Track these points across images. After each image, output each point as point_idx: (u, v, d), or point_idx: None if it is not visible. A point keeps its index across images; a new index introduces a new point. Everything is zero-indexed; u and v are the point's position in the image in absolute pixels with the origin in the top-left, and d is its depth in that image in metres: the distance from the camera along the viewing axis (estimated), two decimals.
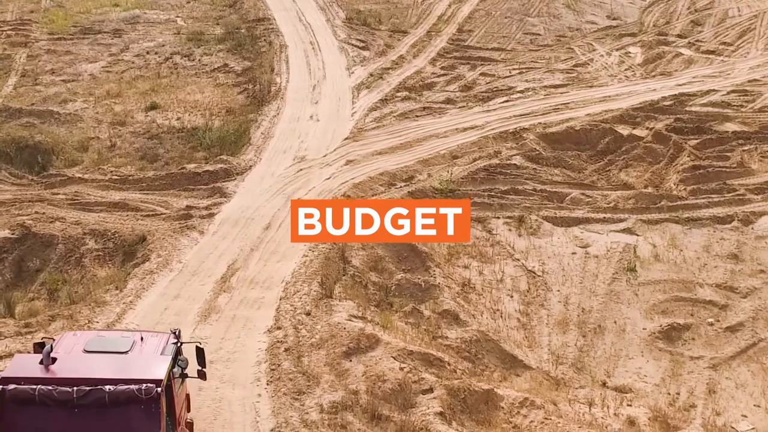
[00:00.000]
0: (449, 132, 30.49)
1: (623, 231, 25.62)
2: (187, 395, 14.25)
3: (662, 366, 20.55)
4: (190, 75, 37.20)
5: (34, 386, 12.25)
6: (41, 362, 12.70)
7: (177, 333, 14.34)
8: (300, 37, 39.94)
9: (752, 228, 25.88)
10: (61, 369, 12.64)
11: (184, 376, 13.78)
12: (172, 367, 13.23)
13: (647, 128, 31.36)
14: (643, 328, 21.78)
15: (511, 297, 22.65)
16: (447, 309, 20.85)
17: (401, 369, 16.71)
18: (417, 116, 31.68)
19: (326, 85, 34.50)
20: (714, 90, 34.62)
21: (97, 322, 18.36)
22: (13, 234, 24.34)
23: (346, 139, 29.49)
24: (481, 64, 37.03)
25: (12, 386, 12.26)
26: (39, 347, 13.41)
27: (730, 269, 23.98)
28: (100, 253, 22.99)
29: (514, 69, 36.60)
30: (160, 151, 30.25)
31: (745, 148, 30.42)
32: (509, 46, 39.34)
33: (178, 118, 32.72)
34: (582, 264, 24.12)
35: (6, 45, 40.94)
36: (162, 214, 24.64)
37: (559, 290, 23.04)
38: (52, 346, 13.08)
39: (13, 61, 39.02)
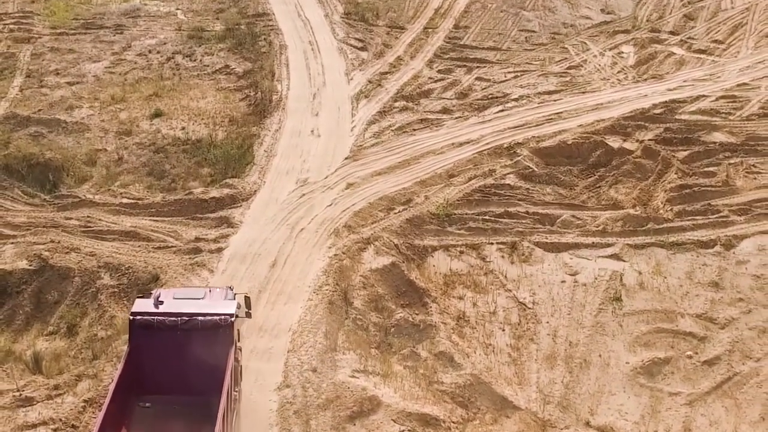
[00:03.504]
0: (445, 148, 31.56)
1: (611, 257, 26.92)
2: (238, 330, 19.39)
3: (642, 402, 22.09)
4: (192, 77, 38.00)
5: (153, 317, 18.33)
6: (154, 304, 18.78)
7: (231, 287, 20.30)
8: (299, 35, 40.63)
9: (734, 252, 27.17)
10: (166, 308, 18.60)
11: (236, 315, 18.93)
12: (237, 307, 18.95)
13: (637, 140, 32.40)
14: (626, 362, 23.25)
15: (503, 330, 24.09)
16: (442, 351, 22.32)
17: None
18: (414, 130, 32.69)
19: (326, 94, 35.39)
20: (703, 96, 35.54)
21: None
22: (30, 265, 25.63)
23: (347, 158, 30.59)
24: (477, 67, 37.85)
25: (139, 317, 18.39)
26: (140, 295, 20.41)
27: (710, 298, 25.37)
28: (116, 290, 24.32)
29: (509, 72, 37.44)
30: (166, 166, 31.30)
31: (732, 161, 31.52)
32: (504, 44, 40.08)
33: (183, 128, 33.70)
34: (570, 293, 25.50)
35: (9, 41, 41.60)
36: (172, 246, 25.91)
37: (548, 322, 24.46)
38: (160, 293, 19.19)
39: (18, 60, 39.76)
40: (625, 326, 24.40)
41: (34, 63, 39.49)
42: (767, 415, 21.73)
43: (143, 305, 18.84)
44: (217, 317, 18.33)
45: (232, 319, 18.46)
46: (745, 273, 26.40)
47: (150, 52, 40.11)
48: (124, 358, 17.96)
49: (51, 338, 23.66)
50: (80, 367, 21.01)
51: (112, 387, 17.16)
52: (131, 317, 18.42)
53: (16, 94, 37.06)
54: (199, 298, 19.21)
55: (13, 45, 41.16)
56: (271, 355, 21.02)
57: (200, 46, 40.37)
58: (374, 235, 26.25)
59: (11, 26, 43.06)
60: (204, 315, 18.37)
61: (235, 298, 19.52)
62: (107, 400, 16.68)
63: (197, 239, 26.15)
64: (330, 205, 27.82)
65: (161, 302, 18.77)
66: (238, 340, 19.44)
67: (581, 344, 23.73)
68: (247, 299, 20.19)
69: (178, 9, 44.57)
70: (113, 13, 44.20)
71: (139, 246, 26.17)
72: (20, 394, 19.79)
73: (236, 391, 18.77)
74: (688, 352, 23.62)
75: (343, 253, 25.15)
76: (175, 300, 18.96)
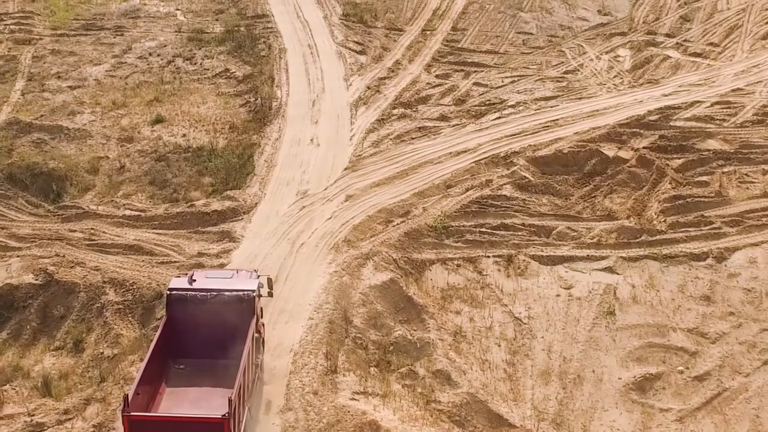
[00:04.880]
0: (443, 157, 32.01)
1: (605, 269, 27.47)
2: (261, 308, 22.36)
3: (634, 419, 22.72)
4: (193, 81, 38.37)
5: (186, 292, 21.18)
6: (188, 281, 21.60)
7: (257, 270, 22.95)
8: (299, 38, 40.95)
9: (725, 265, 27.72)
10: (199, 285, 21.46)
11: (260, 294, 21.78)
12: (260, 286, 21.72)
13: (632, 148, 32.85)
14: (619, 378, 23.87)
15: (499, 346, 24.70)
16: (440, 368, 22.95)
17: None
18: (413, 138, 33.13)
19: (325, 100, 35.80)
20: (698, 101, 35.96)
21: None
22: (36, 280, 26.16)
23: (346, 169, 31.07)
24: (475, 71, 38.23)
25: (175, 292, 21.22)
26: (182, 274, 22.77)
27: (702, 312, 25.94)
28: (120, 307, 24.86)
29: (506, 77, 37.81)
30: (168, 175, 31.73)
31: (725, 170, 32.01)
32: (502, 48, 40.41)
33: (184, 135, 34.12)
34: (565, 307, 26.07)
35: (11, 42, 41.93)
36: (176, 261, 26.43)
37: (543, 337, 25.06)
38: (194, 273, 22.15)
39: (19, 63, 40.09)
40: (618, 341, 25.00)
41: (35, 66, 39.85)
42: (755, 431, 22.39)
43: (178, 282, 21.75)
44: (241, 292, 21.21)
45: (254, 294, 21.28)
46: (736, 286, 26.97)
47: (150, 54, 40.44)
48: (161, 327, 20.82)
49: (58, 354, 24.23)
50: (88, 390, 21.61)
51: (149, 352, 19.86)
52: (168, 292, 21.35)
53: (18, 98, 37.46)
54: (228, 278, 22.15)
55: (14, 47, 41.50)
56: (274, 377, 21.64)
57: (200, 48, 40.69)
58: (373, 249, 26.77)
59: (12, 26, 43.36)
60: (230, 290, 21.24)
61: (258, 279, 22.17)
62: (144, 362, 19.40)
63: (200, 254, 26.68)
64: (330, 218, 28.34)
65: (194, 280, 21.70)
66: (261, 316, 22.37)
67: (575, 359, 24.34)
68: (269, 280, 22.69)
69: (177, 9, 44.81)
70: (113, 14, 44.47)
71: (143, 260, 26.71)
72: (31, 420, 20.40)
73: (258, 359, 21.64)
74: (680, 368, 24.24)
75: (343, 269, 25.71)
76: (206, 279, 21.96)
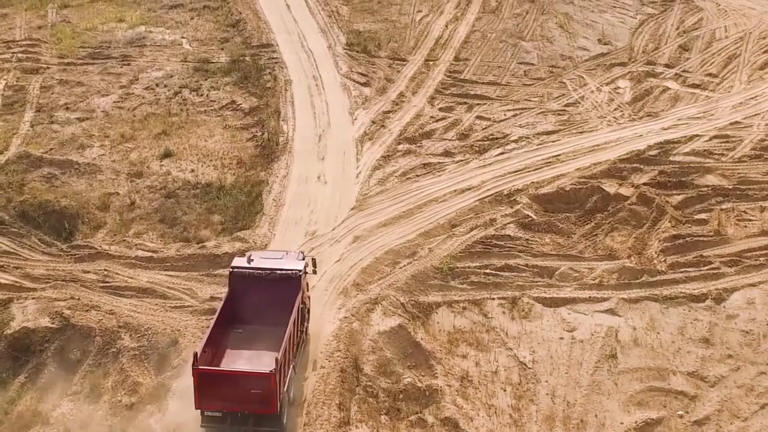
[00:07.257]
0: (448, 195, 32.69)
1: (606, 311, 28.19)
2: (307, 282, 26.08)
3: None
4: (200, 113, 38.94)
5: (245, 270, 25.21)
6: (247, 261, 25.58)
7: (303, 251, 27.33)
8: (303, 69, 41.55)
9: (724, 306, 28.46)
10: (257, 264, 25.46)
11: (306, 272, 25.62)
12: (305, 266, 25.67)
13: (633, 185, 33.55)
14: (621, 423, 24.58)
15: (505, 390, 25.40)
16: (448, 416, 23.69)
17: None
18: (418, 175, 33.78)
19: (331, 135, 36.42)
20: (697, 135, 36.70)
21: None
22: (53, 323, 26.80)
23: (353, 208, 31.73)
24: (478, 104, 38.86)
25: (236, 269, 25.27)
26: (242, 255, 27.00)
27: (701, 355, 26.67)
28: (136, 352, 25.52)
29: (508, 110, 38.48)
30: (178, 213, 32.33)
31: (724, 206, 32.74)
32: (504, 79, 41.06)
33: (192, 170, 34.73)
34: (568, 351, 26.78)
35: (18, 72, 42.43)
36: (188, 305, 27.11)
37: (547, 381, 25.76)
38: (251, 254, 26.10)
39: (27, 93, 40.63)
40: (620, 385, 25.71)
41: (43, 96, 40.36)
42: None
43: (239, 261, 25.76)
44: (290, 271, 25.18)
45: (301, 273, 25.27)
46: (735, 328, 27.69)
47: (157, 85, 40.98)
48: (224, 299, 24.88)
49: (75, 398, 24.87)
50: None
51: (213, 319, 23.85)
52: (231, 269, 25.46)
53: (28, 130, 37.99)
54: (279, 258, 25.96)
55: (22, 76, 41.99)
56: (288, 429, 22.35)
57: (206, 79, 41.22)
58: (381, 293, 27.45)
59: (19, 55, 43.86)
60: (281, 269, 25.19)
61: (304, 259, 26.08)
62: (210, 328, 23.36)
63: (212, 298, 27.31)
64: (338, 260, 29.01)
65: (252, 260, 25.59)
66: (307, 290, 26.16)
67: (578, 404, 25.04)
68: (313, 260, 26.57)
69: (183, 38, 45.33)
70: (119, 42, 44.93)
71: (156, 304, 27.35)
72: None
73: (303, 327, 25.35)
74: (680, 412, 24.96)
75: (353, 315, 26.40)
76: (261, 259, 25.81)
